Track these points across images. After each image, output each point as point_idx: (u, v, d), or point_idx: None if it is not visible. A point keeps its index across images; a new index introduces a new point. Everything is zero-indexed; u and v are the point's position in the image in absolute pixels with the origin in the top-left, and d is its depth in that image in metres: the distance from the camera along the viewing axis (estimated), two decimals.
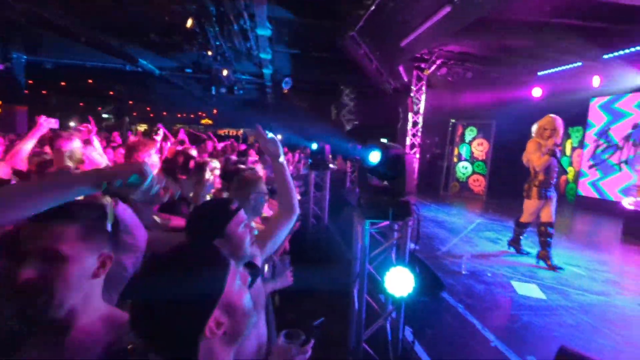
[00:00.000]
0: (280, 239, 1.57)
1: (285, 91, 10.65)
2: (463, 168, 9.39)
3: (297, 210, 1.59)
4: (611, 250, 4.96)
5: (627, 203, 6.15)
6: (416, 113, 9.78)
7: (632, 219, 5.50)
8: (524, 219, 3.97)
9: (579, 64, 6.93)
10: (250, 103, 14.38)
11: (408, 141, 10.09)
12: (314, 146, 5.05)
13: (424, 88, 9.34)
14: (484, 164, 9.07)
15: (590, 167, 8.05)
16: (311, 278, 3.11)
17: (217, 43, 7.10)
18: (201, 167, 2.32)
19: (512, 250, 4.28)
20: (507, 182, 9.70)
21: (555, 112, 9.35)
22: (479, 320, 2.64)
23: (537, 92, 7.68)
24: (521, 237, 4.18)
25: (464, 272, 3.59)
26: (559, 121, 3.62)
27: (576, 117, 8.44)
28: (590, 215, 7.41)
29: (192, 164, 2.42)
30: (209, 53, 7.51)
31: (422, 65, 8.61)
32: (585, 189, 8.17)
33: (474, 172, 9.23)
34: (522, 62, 7.78)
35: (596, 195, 7.83)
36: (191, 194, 2.29)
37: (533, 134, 3.76)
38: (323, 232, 4.97)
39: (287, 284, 2.02)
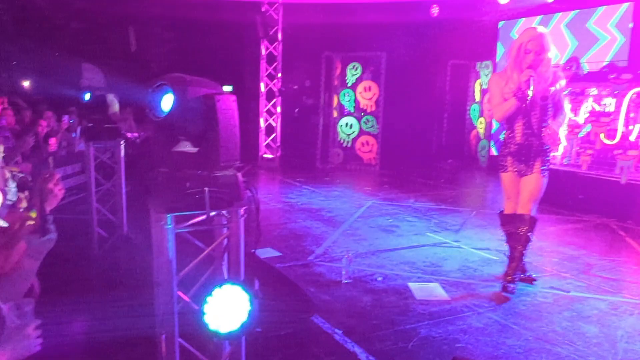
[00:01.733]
0: None
1: None
2: (347, 127, 10.19)
3: None
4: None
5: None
6: (272, 42, 10.00)
7: (549, 185, 7.02)
8: (505, 207, 3.85)
9: None
10: None
11: (263, 87, 10.31)
12: (87, 97, 4.60)
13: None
14: (374, 119, 10.03)
15: None
16: (94, 328, 2.84)
17: None
18: None
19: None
20: (407, 144, 11.09)
21: (458, 42, 10.95)
22: (362, 347, 2.91)
23: (435, 10, 8.84)
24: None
25: (345, 281, 3.89)
26: (548, 36, 3.43)
27: (485, 48, 10.15)
28: None
29: None
30: None
31: None
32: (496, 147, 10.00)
33: (361, 132, 10.12)
34: None
35: None
36: None
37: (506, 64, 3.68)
38: (121, 249, 4.64)
39: (25, 354, 1.76)
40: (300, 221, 5.82)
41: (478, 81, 10.87)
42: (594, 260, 4.59)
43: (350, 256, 4.02)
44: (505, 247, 3.85)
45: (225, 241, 2.34)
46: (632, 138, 6.44)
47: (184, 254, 2.29)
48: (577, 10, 8.55)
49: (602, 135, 6.32)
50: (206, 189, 2.08)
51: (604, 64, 7.48)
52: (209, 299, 2.04)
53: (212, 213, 2.16)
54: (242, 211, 2.23)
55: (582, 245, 5.06)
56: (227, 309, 2.01)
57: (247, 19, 9.77)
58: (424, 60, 10.64)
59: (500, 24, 9.65)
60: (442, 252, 4.77)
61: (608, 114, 6.34)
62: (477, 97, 10.91)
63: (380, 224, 5.76)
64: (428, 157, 11.37)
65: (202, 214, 2.17)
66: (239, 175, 2.18)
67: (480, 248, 4.89)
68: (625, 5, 7.88)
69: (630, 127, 6.56)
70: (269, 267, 3.34)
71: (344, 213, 6.26)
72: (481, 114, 10.80)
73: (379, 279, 4.00)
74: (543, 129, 3.53)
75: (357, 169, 9.98)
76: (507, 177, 3.73)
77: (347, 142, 10.25)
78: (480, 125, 10.81)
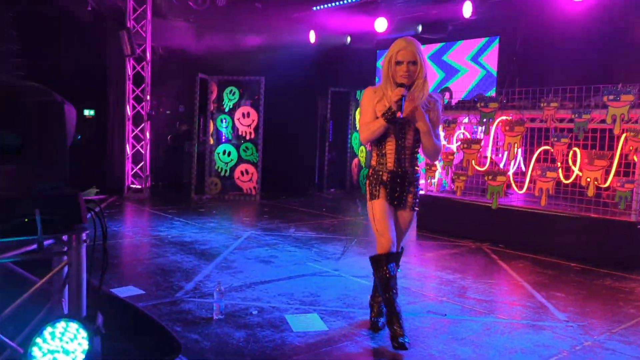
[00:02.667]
0: None
1: None
2: (225, 155, 10.05)
3: None
4: (405, 249, 6.52)
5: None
6: (138, 60, 9.65)
7: (425, 210, 7.45)
8: (379, 245, 3.33)
9: None
10: None
11: (128, 110, 9.86)
12: None
13: (148, 15, 9.33)
14: (254, 147, 10.02)
15: None
16: None
17: None
18: None
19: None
20: (288, 172, 11.22)
21: (339, 69, 11.40)
22: None
23: (311, 36, 9.17)
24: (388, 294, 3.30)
25: (216, 317, 3.74)
26: (418, 45, 3.23)
27: (366, 76, 10.73)
28: None
29: None
30: None
31: None
32: None
33: (240, 160, 10.05)
34: None
35: None
36: None
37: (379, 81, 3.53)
38: None
39: None
40: (169, 255, 5.55)
41: (358, 109, 11.39)
42: (468, 283, 4.89)
43: (223, 290, 3.88)
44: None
45: (65, 271, 2.11)
46: (501, 165, 7.11)
47: (11, 289, 2.04)
48: (443, 43, 9.42)
49: (473, 162, 6.88)
50: (37, 210, 1.87)
51: (465, 94, 8.29)
52: (38, 339, 1.81)
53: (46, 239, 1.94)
54: (84, 236, 2.03)
55: (458, 270, 5.39)
56: (61, 350, 1.80)
57: (112, 32, 9.35)
58: (305, 87, 10.94)
59: (379, 52, 10.28)
60: (321, 281, 4.80)
61: (478, 141, 6.93)
62: (358, 125, 11.42)
63: (258, 255, 5.68)
64: (310, 186, 11.59)
65: (32, 241, 1.94)
66: (80, 193, 1.99)
67: (360, 276, 4.99)
68: (485, 39, 8.87)
69: (499, 155, 7.26)
70: (124, 305, 3.10)
71: (220, 245, 6.09)
72: (361, 143, 11.30)
73: (254, 312, 3.90)
74: (415, 155, 3.37)
75: (236, 200, 9.84)
76: (380, 205, 3.33)
77: (225, 171, 10.09)
78: (362, 154, 11.29)
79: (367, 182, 3.44)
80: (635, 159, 5.53)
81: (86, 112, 10.93)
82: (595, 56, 7.19)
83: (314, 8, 9.44)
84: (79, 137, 10.79)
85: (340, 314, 3.95)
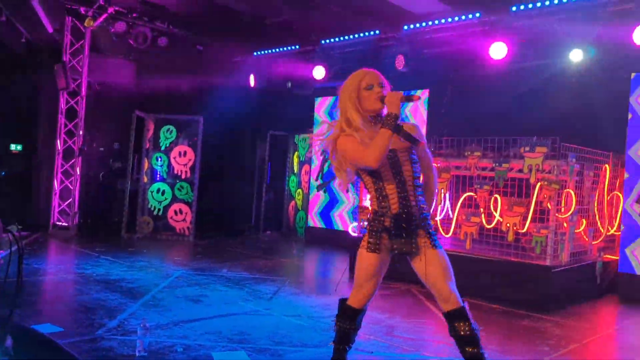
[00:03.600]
0: None
1: None
2: (159, 193, 9.86)
3: None
4: (338, 290, 6.57)
5: (351, 229, 8.42)
6: (73, 94, 9.44)
7: (356, 253, 7.58)
8: (352, 297, 3.03)
9: (297, 46, 9.09)
10: None
11: (59, 145, 9.56)
12: None
13: (86, 50, 9.21)
14: (189, 186, 9.91)
15: (319, 188, 10.56)
16: None
17: None
18: None
19: None
20: (224, 213, 11.12)
21: (278, 113, 11.61)
22: None
23: (252, 80, 9.36)
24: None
25: (139, 354, 3.62)
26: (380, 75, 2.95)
27: (304, 121, 10.93)
28: (322, 250, 9.64)
29: None
30: None
31: (82, 10, 8.50)
32: (313, 218, 10.58)
33: (175, 199, 9.88)
34: (237, 35, 9.30)
35: (323, 225, 10.31)
36: None
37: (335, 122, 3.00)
38: None
39: None
40: (93, 293, 5.32)
41: (296, 153, 11.57)
42: (397, 323, 4.99)
43: (148, 326, 3.77)
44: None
45: None
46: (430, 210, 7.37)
47: None
48: None
49: None
50: None
51: None
52: None
53: None
54: None
55: (388, 310, 5.48)
56: None
57: (46, 65, 9.14)
58: (244, 129, 11.05)
59: (318, 99, 10.56)
60: (252, 320, 4.75)
61: None
62: (296, 168, 11.56)
63: (188, 294, 5.56)
64: (246, 227, 11.52)
65: None
66: None
67: (291, 315, 4.98)
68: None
69: None
70: (39, 338, 2.94)
71: (148, 284, 5.91)
72: (299, 186, 11.41)
73: (180, 350, 3.80)
74: (419, 188, 2.93)
75: (168, 239, 9.61)
76: (373, 258, 2.87)
77: (159, 209, 9.87)
78: (299, 197, 11.39)
79: (368, 227, 2.93)
80: (549, 206, 5.92)
81: (13, 147, 10.49)
82: (515, 109, 7.76)
83: (255, 53, 9.66)
84: (3, 172, 10.31)
85: (269, 351, 3.92)
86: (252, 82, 9.90)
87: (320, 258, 9.25)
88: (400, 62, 7.92)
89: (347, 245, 8.12)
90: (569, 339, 4.80)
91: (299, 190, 11.41)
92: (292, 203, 11.65)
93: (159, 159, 9.93)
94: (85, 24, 8.48)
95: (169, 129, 9.89)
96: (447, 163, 6.82)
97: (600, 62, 6.89)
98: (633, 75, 6.68)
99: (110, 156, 10.96)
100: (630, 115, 6.66)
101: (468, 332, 2.77)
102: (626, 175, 6.68)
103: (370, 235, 2.89)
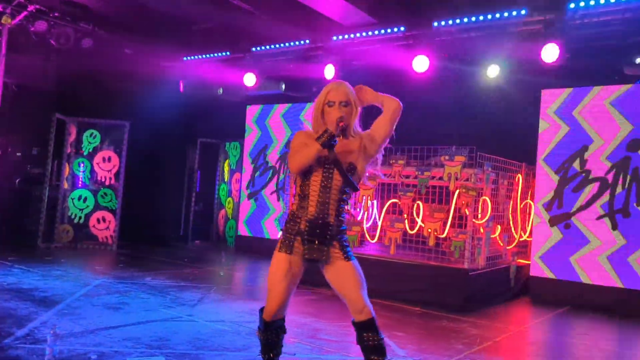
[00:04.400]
0: None
1: None
2: (80, 200, 9.46)
3: None
4: (264, 296, 6.55)
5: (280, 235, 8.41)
6: None
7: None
8: (266, 306, 2.96)
9: (227, 53, 9.05)
10: None
11: None
12: None
13: (2, 49, 8.72)
14: (113, 193, 9.57)
15: (249, 197, 10.50)
16: None
17: None
18: None
19: None
20: (151, 222, 10.77)
21: (209, 120, 11.43)
22: None
23: (181, 86, 9.21)
24: None
25: None
26: (350, 87, 2.92)
27: (235, 129, 10.85)
28: (251, 259, 9.57)
29: None
30: None
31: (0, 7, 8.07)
32: (243, 227, 10.49)
33: (97, 207, 9.51)
34: (167, 39, 9.13)
35: (252, 234, 10.25)
36: None
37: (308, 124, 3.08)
38: None
39: None
40: (1, 302, 5.02)
41: (227, 161, 11.47)
42: (321, 326, 5.04)
43: (58, 333, 3.60)
44: None
45: None
46: (358, 217, 7.53)
47: None
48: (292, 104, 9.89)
49: None
50: None
51: None
52: None
53: None
54: None
55: (313, 314, 5.54)
56: None
57: None
58: (173, 136, 10.81)
59: (248, 107, 10.54)
60: (173, 326, 4.65)
61: None
62: (226, 177, 11.45)
63: (107, 302, 5.36)
64: (174, 237, 11.24)
65: None
66: None
67: (214, 320, 4.92)
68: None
69: (357, 209, 7.70)
70: None
71: (63, 292, 5.65)
72: (229, 194, 11.30)
73: (93, 357, 3.66)
74: (342, 204, 2.88)
75: (90, 249, 9.22)
76: (284, 259, 2.82)
77: (80, 217, 9.46)
78: (229, 206, 11.27)
79: (283, 229, 2.91)
80: (467, 212, 6.21)
81: None
82: (437, 120, 8.10)
83: (185, 58, 9.53)
84: None
85: (189, 356, 3.85)
86: (181, 88, 9.74)
87: (248, 266, 9.18)
88: (329, 72, 8.06)
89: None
90: (483, 337, 5.04)
91: (230, 198, 11.30)
92: (222, 212, 11.51)
93: (81, 165, 9.54)
94: (2, 22, 8.05)
95: (92, 133, 9.53)
96: (372, 171, 6.98)
97: (514, 78, 7.35)
98: (542, 91, 7.18)
99: (28, 162, 10.40)
100: (540, 129, 7.14)
101: (376, 342, 2.82)
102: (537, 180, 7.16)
103: (284, 236, 2.85)
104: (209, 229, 11.63)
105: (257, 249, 9.88)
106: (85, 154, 9.53)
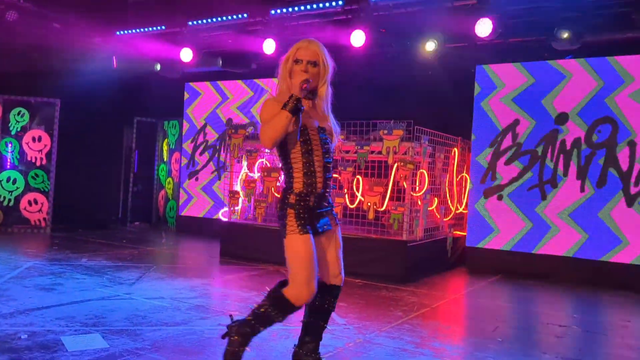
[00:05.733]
0: None
1: None
2: (9, 182, 9.02)
3: None
4: (206, 274, 6.52)
5: (221, 214, 8.37)
6: None
7: (226, 237, 7.57)
8: (294, 291, 2.74)
9: (163, 27, 8.78)
10: None
11: None
12: None
13: None
14: (45, 174, 9.18)
15: (189, 176, 10.33)
16: None
17: None
18: None
19: None
20: (86, 203, 10.39)
21: (146, 98, 11.11)
22: None
23: (114, 62, 8.87)
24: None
25: None
26: (321, 46, 2.80)
27: (173, 107, 10.58)
28: (193, 238, 9.47)
29: None
30: None
31: None
32: (183, 207, 10.33)
33: (28, 188, 9.11)
34: (99, 12, 8.75)
35: (195, 214, 10.12)
36: None
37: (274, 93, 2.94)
38: None
39: None
40: None
41: (166, 140, 11.20)
42: (261, 299, 5.06)
43: None
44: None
45: None
46: None
47: None
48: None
49: (273, 189, 7.22)
50: None
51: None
52: None
53: None
54: None
55: (254, 288, 5.58)
56: None
57: None
58: (108, 115, 10.42)
59: (187, 85, 10.30)
60: (110, 304, 4.55)
61: (277, 170, 7.30)
62: (165, 156, 11.19)
63: (39, 284, 5.18)
64: (112, 219, 10.94)
65: None
66: None
67: (153, 297, 4.86)
68: None
69: None
70: None
71: None
72: (169, 174, 11.07)
73: (24, 337, 3.54)
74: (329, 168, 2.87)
75: (21, 232, 8.84)
76: (309, 244, 2.70)
77: (10, 200, 9.03)
78: (169, 186, 11.05)
79: (291, 211, 2.73)
80: (405, 185, 6.38)
81: None
82: (376, 96, 8.22)
83: (118, 32, 9.17)
84: None
85: (125, 332, 3.79)
86: (114, 64, 9.39)
87: (189, 246, 9.08)
88: (269, 47, 7.98)
89: (218, 231, 8.07)
90: (421, 304, 5.23)
91: (169, 179, 11.07)
92: (162, 192, 11.28)
93: (9, 145, 9.07)
94: None
95: (20, 111, 9.07)
96: None
97: (450, 53, 7.52)
98: (476, 67, 7.41)
99: None
100: (474, 103, 7.38)
101: (331, 309, 2.96)
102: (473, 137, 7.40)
103: (295, 216, 2.72)
104: (149, 210, 11.38)
105: (199, 229, 9.78)
106: (13, 133, 9.06)
